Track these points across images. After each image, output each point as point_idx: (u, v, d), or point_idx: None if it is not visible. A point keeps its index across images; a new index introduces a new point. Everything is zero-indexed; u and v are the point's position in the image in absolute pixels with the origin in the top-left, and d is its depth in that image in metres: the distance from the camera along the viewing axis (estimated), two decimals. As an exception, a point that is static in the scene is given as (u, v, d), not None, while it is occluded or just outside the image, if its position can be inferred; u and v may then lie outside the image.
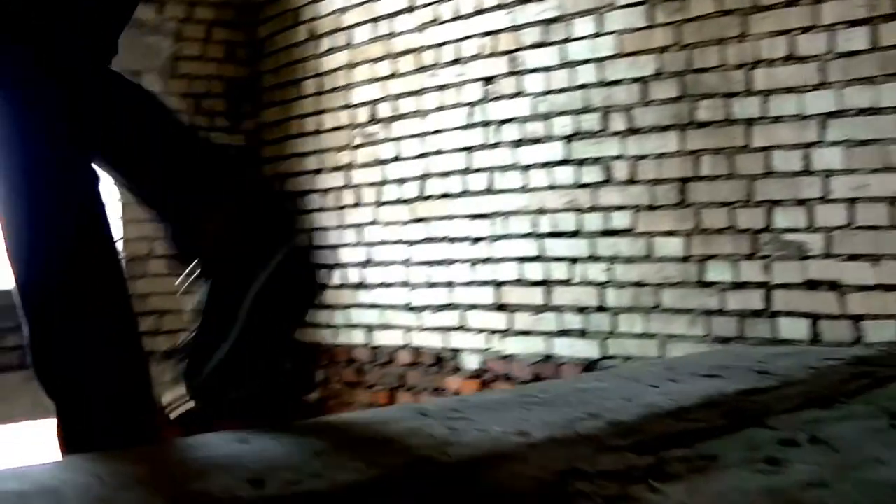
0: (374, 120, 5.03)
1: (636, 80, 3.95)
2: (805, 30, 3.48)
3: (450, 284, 4.68)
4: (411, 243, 4.87)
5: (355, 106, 5.13)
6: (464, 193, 4.62)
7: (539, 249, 4.31)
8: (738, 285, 3.67)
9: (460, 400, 1.75)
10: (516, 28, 4.36)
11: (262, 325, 1.50)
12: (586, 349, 4.16)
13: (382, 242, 5.00)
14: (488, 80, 4.52)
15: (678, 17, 3.81)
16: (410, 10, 4.84)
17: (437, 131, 4.72)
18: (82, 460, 1.24)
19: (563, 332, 4.21)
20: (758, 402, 1.58)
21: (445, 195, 4.71)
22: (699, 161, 3.80)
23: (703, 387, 1.70)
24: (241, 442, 1.36)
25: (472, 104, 4.55)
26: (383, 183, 4.98)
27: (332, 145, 5.29)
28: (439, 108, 4.69)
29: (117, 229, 5.10)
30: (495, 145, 4.48)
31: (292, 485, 1.09)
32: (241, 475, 1.11)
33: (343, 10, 5.18)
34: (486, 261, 4.52)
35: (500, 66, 4.40)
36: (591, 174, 4.12)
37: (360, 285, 5.12)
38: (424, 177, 4.78)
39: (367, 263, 5.08)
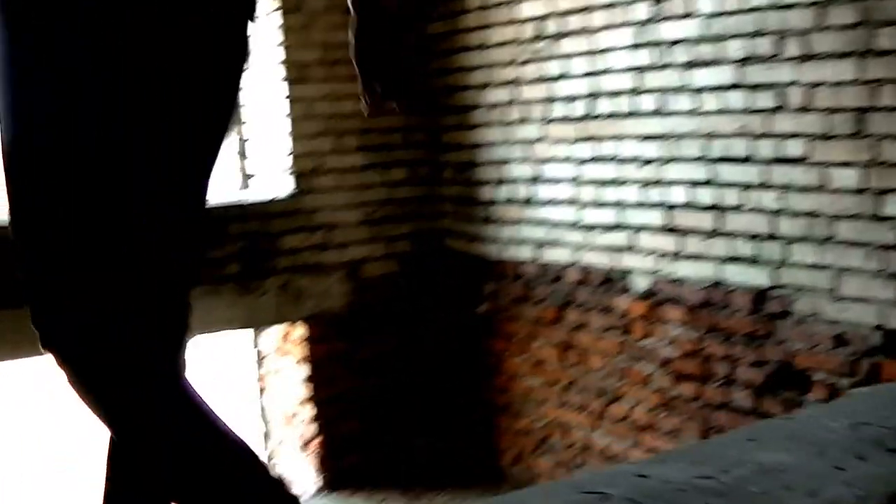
0: (540, 37, 5.32)
1: (812, 3, 4.05)
2: None
3: (619, 205, 4.99)
4: (580, 162, 5.17)
5: (521, 22, 5.36)
6: (633, 114, 4.80)
7: (710, 174, 4.52)
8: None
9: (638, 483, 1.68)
10: (686, -55, 4.51)
11: None
12: (757, 277, 4.41)
13: (550, 159, 5.35)
14: (657, 0, 4.73)
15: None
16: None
17: (604, 50, 4.87)
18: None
19: (734, 259, 4.46)
20: None
21: (614, 115, 4.95)
22: (879, 91, 3.89)
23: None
24: None
25: (640, 24, 4.71)
26: (551, 100, 5.22)
27: (498, 61, 5.57)
28: (607, 27, 4.82)
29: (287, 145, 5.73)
30: (665, 67, 4.64)
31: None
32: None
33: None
34: (656, 183, 4.80)
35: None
36: (764, 100, 4.24)
37: (528, 201, 5.49)
38: (592, 96, 5.00)
39: (535, 180, 5.40)
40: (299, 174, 5.56)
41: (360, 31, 2.04)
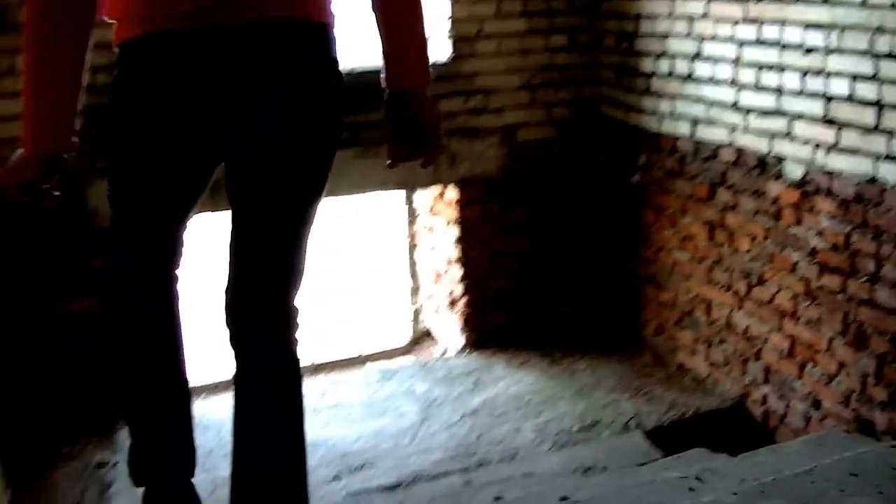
0: None
1: None
2: None
3: (778, 91, 5.17)
4: (742, 43, 5.40)
5: None
6: (800, 0, 5.09)
7: (874, 69, 4.78)
8: None
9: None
10: None
11: None
12: (914, 179, 4.73)
13: (713, 38, 5.58)
14: None
15: None
16: None
17: (775, -70, 5.15)
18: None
19: (892, 158, 4.79)
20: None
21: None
22: None
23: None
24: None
25: None
26: (716, -24, 5.54)
27: (666, -69, 5.84)
28: None
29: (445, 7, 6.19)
30: (837, -47, 4.86)
31: None
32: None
33: None
34: (818, 73, 5.01)
35: None
36: (938, -1, 4.46)
37: (688, 77, 5.72)
38: (760, -24, 5.28)
39: (696, 57, 5.64)
40: (458, 38, 6.02)
41: None
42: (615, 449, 5.12)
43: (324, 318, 6.22)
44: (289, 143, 2.54)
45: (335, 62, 2.64)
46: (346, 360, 6.36)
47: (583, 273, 6.39)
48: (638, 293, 6.30)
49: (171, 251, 2.73)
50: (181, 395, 2.86)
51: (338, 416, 5.62)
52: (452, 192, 6.14)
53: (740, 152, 5.39)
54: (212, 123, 2.50)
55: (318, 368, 6.69)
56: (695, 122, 5.63)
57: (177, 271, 2.77)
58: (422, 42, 2.82)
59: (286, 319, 2.71)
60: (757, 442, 5.36)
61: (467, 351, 6.40)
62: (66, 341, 5.37)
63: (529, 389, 5.82)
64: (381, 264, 6.68)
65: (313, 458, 4.57)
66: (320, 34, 2.58)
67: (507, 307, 6.15)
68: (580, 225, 6.33)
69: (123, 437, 5.34)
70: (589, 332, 6.38)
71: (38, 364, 5.35)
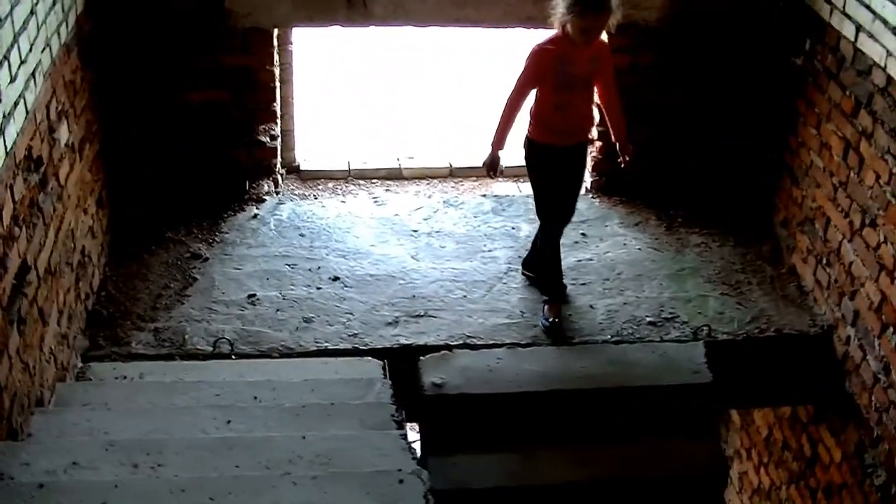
0: None
1: None
2: None
3: None
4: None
5: None
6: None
7: None
8: None
9: None
10: None
11: None
12: None
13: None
14: None
15: None
16: None
17: None
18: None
19: None
20: None
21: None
22: None
23: None
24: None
25: None
26: None
27: None
28: None
29: None
30: None
31: None
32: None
33: None
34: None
35: None
36: None
37: None
38: None
39: None
40: None
41: None
42: (667, 358, 6.09)
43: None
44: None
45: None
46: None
47: (727, 143, 7.04)
48: (776, 179, 6.93)
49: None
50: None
51: (431, 249, 6.92)
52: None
53: (889, 80, 5.76)
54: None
55: (452, 172, 7.93)
56: (859, 28, 5.97)
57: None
58: (622, 122, 6.10)
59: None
60: (828, 379, 6.23)
61: (591, 194, 7.35)
62: (185, 130, 6.83)
63: (627, 259, 6.75)
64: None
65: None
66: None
67: (640, 160, 6.93)
68: (733, 92, 6.90)
69: (224, 230, 6.92)
70: (718, 205, 7.15)
71: (157, 150, 6.86)
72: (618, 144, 6.16)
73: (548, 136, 5.96)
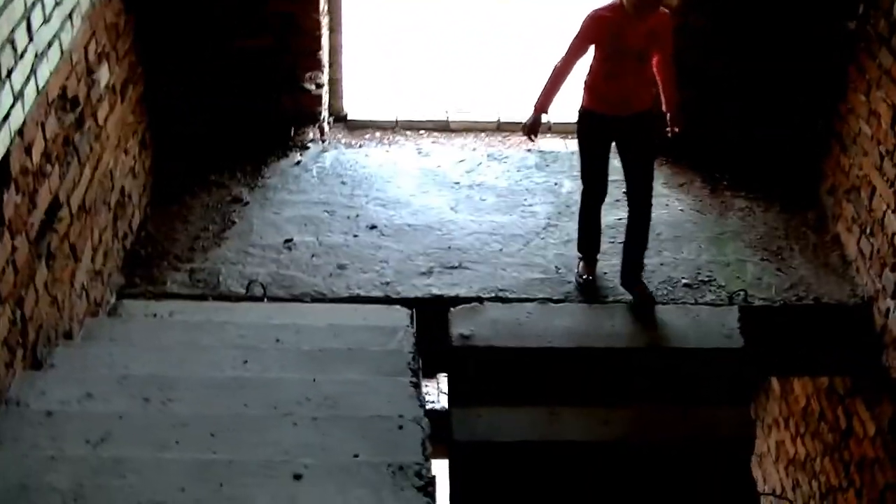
0: None
1: None
2: None
3: None
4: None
5: None
6: None
7: None
8: None
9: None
10: None
11: None
12: None
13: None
14: None
15: None
16: None
17: None
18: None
19: None
20: None
21: None
22: None
23: None
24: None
25: None
26: None
27: None
28: None
29: None
30: None
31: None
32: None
33: None
34: None
35: None
36: None
37: None
38: None
39: None
40: None
41: None
42: (700, 321, 6.08)
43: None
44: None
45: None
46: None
47: (775, 107, 6.97)
48: (824, 146, 6.85)
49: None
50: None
51: (471, 202, 6.97)
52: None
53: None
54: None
55: (500, 126, 7.96)
56: (911, -10, 5.89)
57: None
58: (675, 95, 5.94)
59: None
60: (866, 351, 6.17)
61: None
62: (228, 76, 6.94)
63: (669, 220, 6.74)
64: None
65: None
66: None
67: (686, 120, 6.91)
68: (784, 59, 6.83)
69: (267, 176, 7.04)
70: (765, 170, 7.09)
71: (201, 94, 6.97)
72: (668, 115, 6.02)
73: (597, 104, 5.90)
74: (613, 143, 6.03)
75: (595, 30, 5.68)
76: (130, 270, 6.13)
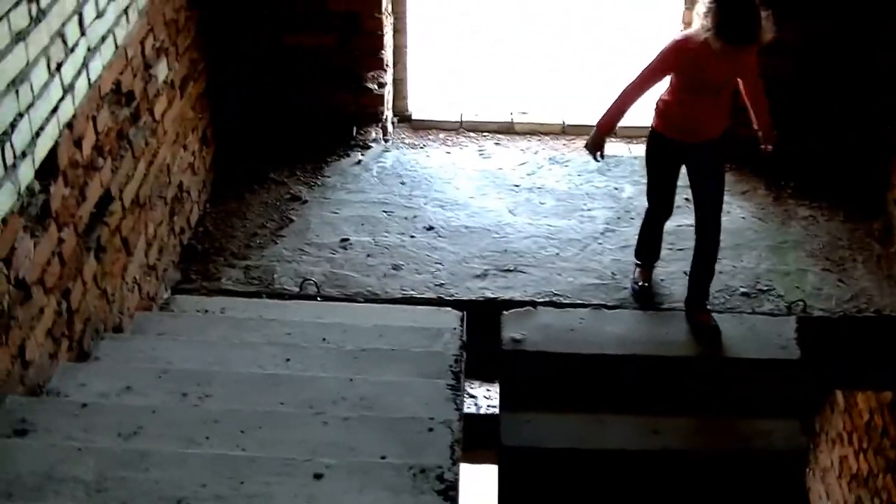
0: None
1: None
2: None
3: None
4: None
5: None
6: None
7: None
8: None
9: None
10: None
11: None
12: None
13: None
14: None
15: None
16: None
17: None
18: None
19: None
20: None
21: None
22: None
23: None
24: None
25: None
26: None
27: None
28: None
29: None
30: None
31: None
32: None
33: None
34: None
35: None
36: None
37: None
38: None
39: None
40: None
41: None
42: (756, 331, 5.99)
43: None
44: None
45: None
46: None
47: (843, 113, 6.84)
48: (893, 153, 6.70)
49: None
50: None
51: (530, 205, 6.94)
52: None
53: None
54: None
55: (565, 129, 7.92)
56: None
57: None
58: (766, 110, 5.80)
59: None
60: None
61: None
62: (290, 74, 7.01)
63: (730, 228, 6.62)
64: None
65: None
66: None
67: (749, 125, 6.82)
68: (853, 61, 6.70)
69: (327, 174, 7.08)
70: (831, 178, 6.96)
71: (263, 92, 7.05)
72: (761, 133, 5.83)
73: (667, 130, 5.74)
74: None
75: (676, 62, 5.55)
76: (186, 266, 6.22)
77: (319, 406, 4.46)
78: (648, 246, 6.18)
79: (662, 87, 5.71)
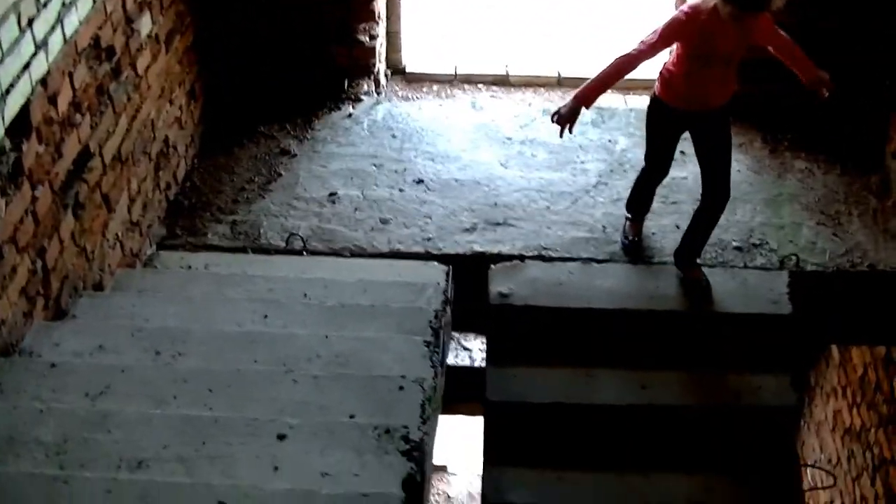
0: None
1: None
2: None
3: None
4: None
5: None
6: None
7: None
8: None
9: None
10: None
11: None
12: None
13: None
14: None
15: None
16: None
17: None
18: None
19: None
20: None
21: None
22: None
23: None
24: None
25: None
26: None
27: None
28: None
29: None
30: None
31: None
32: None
33: None
34: None
35: None
36: None
37: None
38: None
39: None
40: None
41: None
42: (748, 285, 5.93)
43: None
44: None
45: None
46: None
47: (842, 66, 6.71)
48: (891, 106, 6.59)
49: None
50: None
51: (522, 158, 6.88)
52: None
53: None
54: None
55: (560, 81, 7.82)
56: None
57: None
58: (804, 58, 5.55)
59: None
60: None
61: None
62: (281, 27, 6.94)
63: (724, 180, 6.60)
64: None
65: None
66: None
67: (750, 78, 6.71)
68: (853, 17, 6.59)
69: (317, 128, 7.03)
70: (829, 131, 6.86)
71: (253, 45, 6.98)
72: (810, 82, 5.57)
73: (671, 99, 5.50)
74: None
75: (683, 32, 5.29)
76: (172, 221, 6.19)
77: (294, 364, 4.46)
78: (640, 201, 6.11)
79: (665, 55, 5.52)
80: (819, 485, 7.77)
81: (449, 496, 10.86)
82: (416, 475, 3.64)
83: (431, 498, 10.81)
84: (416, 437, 3.81)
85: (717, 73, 5.37)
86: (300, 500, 3.35)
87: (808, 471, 7.91)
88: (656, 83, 5.57)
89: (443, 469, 11.21)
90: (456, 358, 8.08)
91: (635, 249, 6.12)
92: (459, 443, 10.00)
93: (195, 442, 3.69)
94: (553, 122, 5.46)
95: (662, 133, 5.73)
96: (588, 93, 5.37)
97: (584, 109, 5.41)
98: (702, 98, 5.46)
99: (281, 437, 3.74)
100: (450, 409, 8.34)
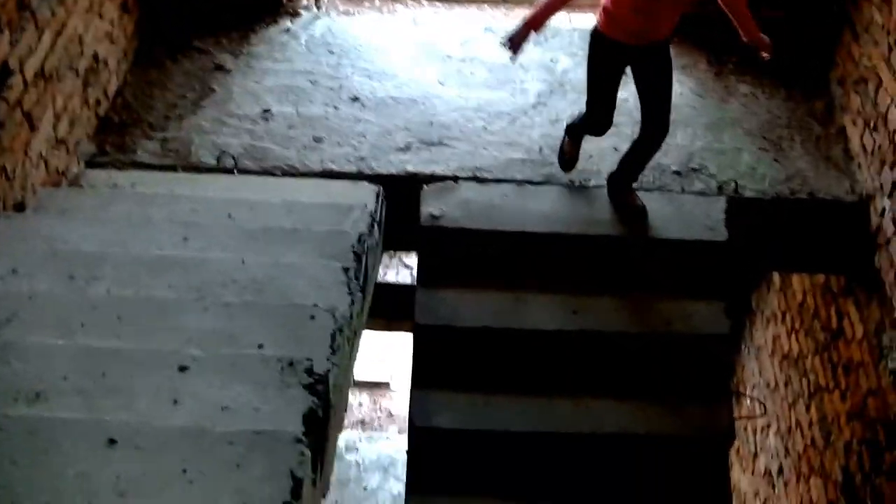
0: None
1: None
2: None
3: None
4: None
5: None
6: None
7: None
8: None
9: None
10: None
11: None
12: None
13: None
14: None
15: None
16: None
17: None
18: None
19: None
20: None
21: None
22: None
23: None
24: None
25: None
26: None
27: None
28: None
29: None
30: None
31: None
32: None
33: None
34: None
35: None
36: None
37: None
38: None
39: None
40: None
41: None
42: (684, 211, 5.89)
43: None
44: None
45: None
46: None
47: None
48: (837, 31, 6.52)
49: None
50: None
51: (461, 76, 6.77)
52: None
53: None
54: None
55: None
56: None
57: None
58: (748, 16, 5.45)
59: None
60: (859, 251, 5.94)
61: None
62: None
63: (667, 103, 6.53)
64: None
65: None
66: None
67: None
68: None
69: (253, 43, 6.89)
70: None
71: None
72: (749, 43, 5.55)
73: (614, 31, 5.37)
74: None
75: None
76: (102, 139, 6.07)
77: (207, 290, 4.39)
78: (580, 136, 6.01)
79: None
80: (753, 413, 7.84)
81: (391, 413, 10.88)
82: (318, 410, 3.60)
83: (373, 414, 10.88)
84: (322, 370, 3.76)
85: (667, 4, 5.23)
86: (193, 438, 3.30)
87: (743, 399, 7.96)
88: (598, 17, 5.42)
89: (385, 386, 11.23)
90: (397, 276, 8.06)
91: (571, 166, 6.05)
92: (401, 360, 9.98)
93: (95, 373, 3.63)
94: (503, 46, 5.43)
95: (604, 68, 5.56)
96: (538, 16, 5.35)
97: (533, 33, 5.38)
98: (647, 31, 5.34)
99: (182, 370, 3.68)
100: (391, 325, 8.37)
